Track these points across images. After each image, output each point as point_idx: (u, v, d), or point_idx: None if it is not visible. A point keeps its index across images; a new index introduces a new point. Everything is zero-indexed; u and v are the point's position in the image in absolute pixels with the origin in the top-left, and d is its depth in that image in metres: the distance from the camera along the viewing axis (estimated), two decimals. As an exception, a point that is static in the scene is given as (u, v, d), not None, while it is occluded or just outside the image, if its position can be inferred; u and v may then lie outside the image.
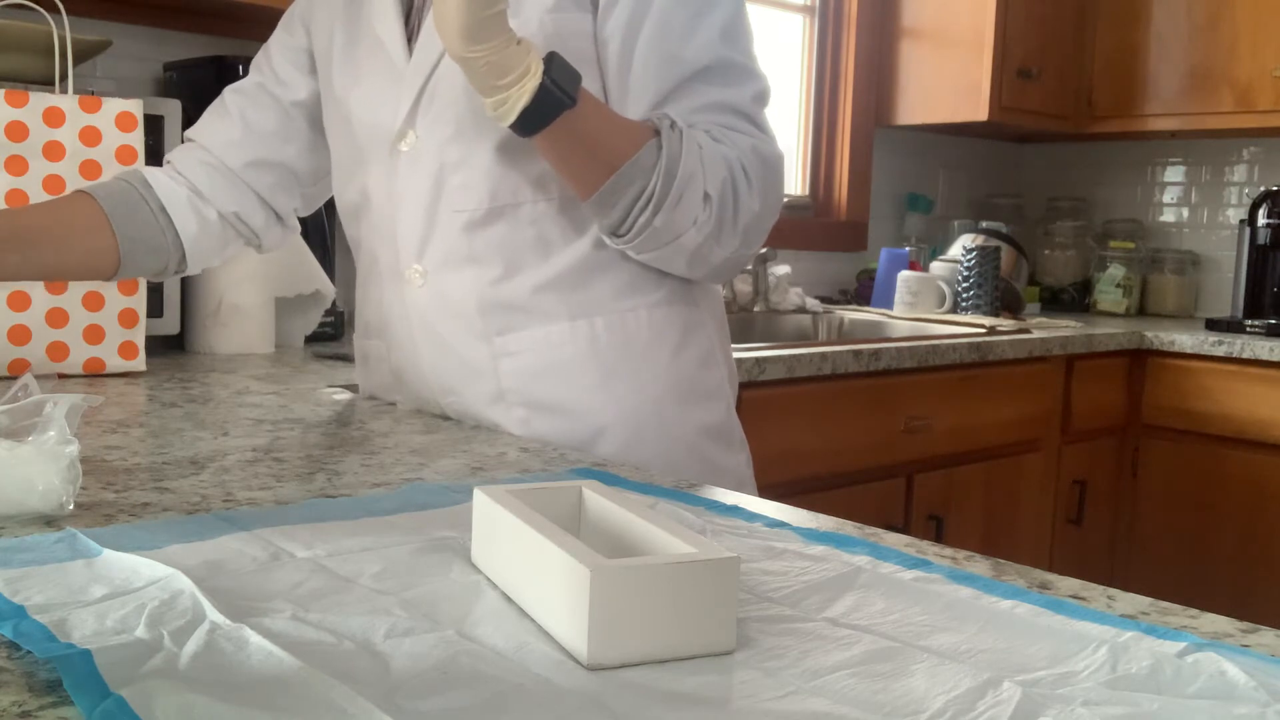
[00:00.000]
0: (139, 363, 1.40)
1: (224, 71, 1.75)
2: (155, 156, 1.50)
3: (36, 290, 1.33)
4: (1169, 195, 3.37)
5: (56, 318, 1.35)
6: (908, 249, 3.01)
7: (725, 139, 1.04)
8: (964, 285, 2.76)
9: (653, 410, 1.10)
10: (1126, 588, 0.67)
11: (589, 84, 1.00)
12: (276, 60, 1.25)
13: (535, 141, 0.98)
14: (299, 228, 1.33)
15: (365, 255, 1.20)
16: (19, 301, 1.33)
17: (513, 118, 0.94)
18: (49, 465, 0.71)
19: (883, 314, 2.75)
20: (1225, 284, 3.20)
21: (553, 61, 0.94)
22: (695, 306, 1.15)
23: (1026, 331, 2.52)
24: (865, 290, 2.99)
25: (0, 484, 0.70)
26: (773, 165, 1.07)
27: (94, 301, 1.36)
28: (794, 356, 1.93)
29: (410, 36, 1.11)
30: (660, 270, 1.11)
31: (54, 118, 1.33)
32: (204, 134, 1.25)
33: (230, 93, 1.26)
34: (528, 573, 0.58)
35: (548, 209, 1.07)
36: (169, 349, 1.65)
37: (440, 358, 1.13)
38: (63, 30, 1.35)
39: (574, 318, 1.08)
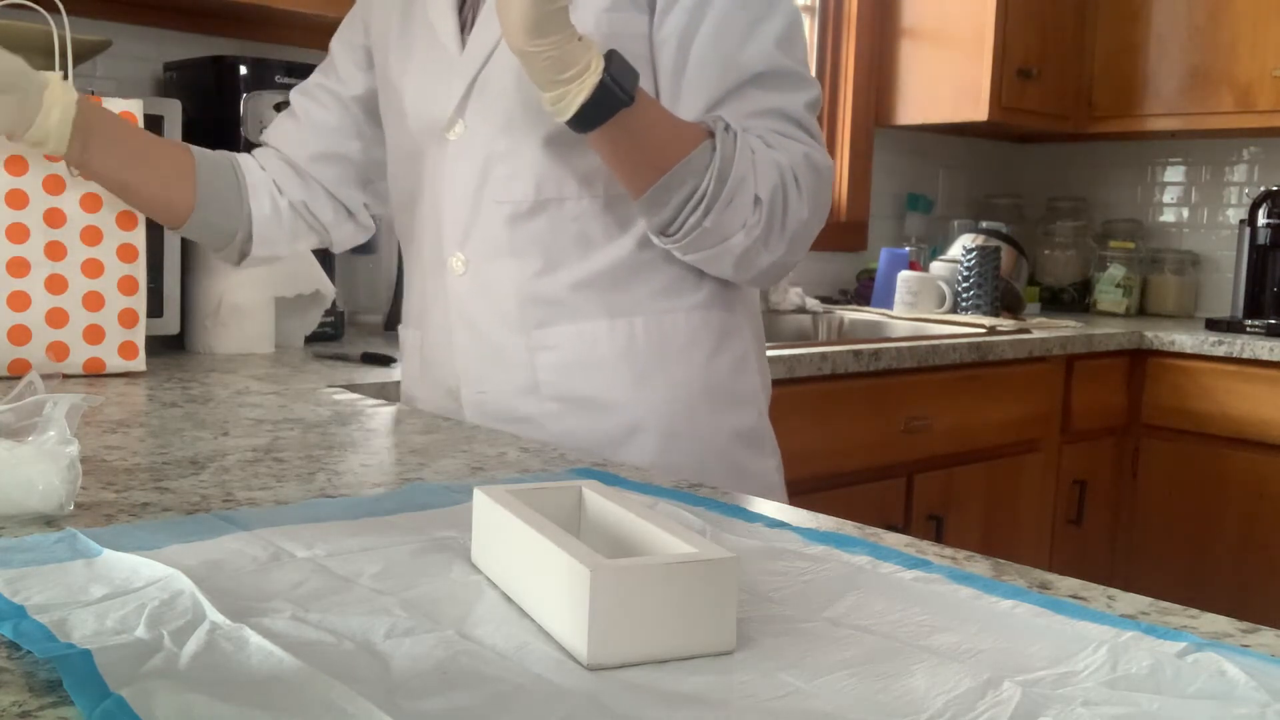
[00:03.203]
0: (139, 363, 1.40)
1: (224, 71, 1.75)
2: (155, 156, 1.50)
3: (36, 290, 1.33)
4: (1169, 195, 3.37)
5: (56, 318, 1.34)
6: (908, 249, 3.01)
7: (777, 145, 1.04)
8: (964, 285, 2.76)
9: (686, 412, 1.11)
10: (1126, 588, 0.67)
11: (643, 84, 1.01)
12: (337, 58, 1.30)
13: (589, 138, 0.98)
14: (373, 226, 1.36)
15: (414, 245, 1.21)
16: (19, 301, 1.33)
17: (571, 113, 0.94)
18: (49, 465, 0.71)
19: (883, 314, 2.75)
20: (1225, 284, 3.20)
21: (612, 59, 0.94)
22: (732, 312, 1.15)
23: (1026, 331, 2.52)
24: (865, 290, 2.99)
25: (0, 484, 0.70)
26: (823, 174, 1.07)
27: (94, 301, 1.36)
28: (794, 356, 1.93)
29: (464, 27, 1.12)
30: (699, 274, 1.12)
31: (54, 118, 1.33)
32: (273, 135, 1.31)
33: (295, 94, 1.32)
34: (528, 573, 0.58)
35: (591, 206, 1.08)
36: (169, 349, 1.65)
37: (474, 347, 1.13)
38: (63, 30, 1.35)
39: (612, 316, 1.09)
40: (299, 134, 1.29)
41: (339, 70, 1.29)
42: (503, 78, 1.07)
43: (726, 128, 1.00)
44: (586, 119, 0.94)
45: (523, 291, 1.09)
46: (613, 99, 0.94)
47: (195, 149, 1.25)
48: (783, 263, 1.07)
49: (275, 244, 1.29)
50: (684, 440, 1.11)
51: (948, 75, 2.98)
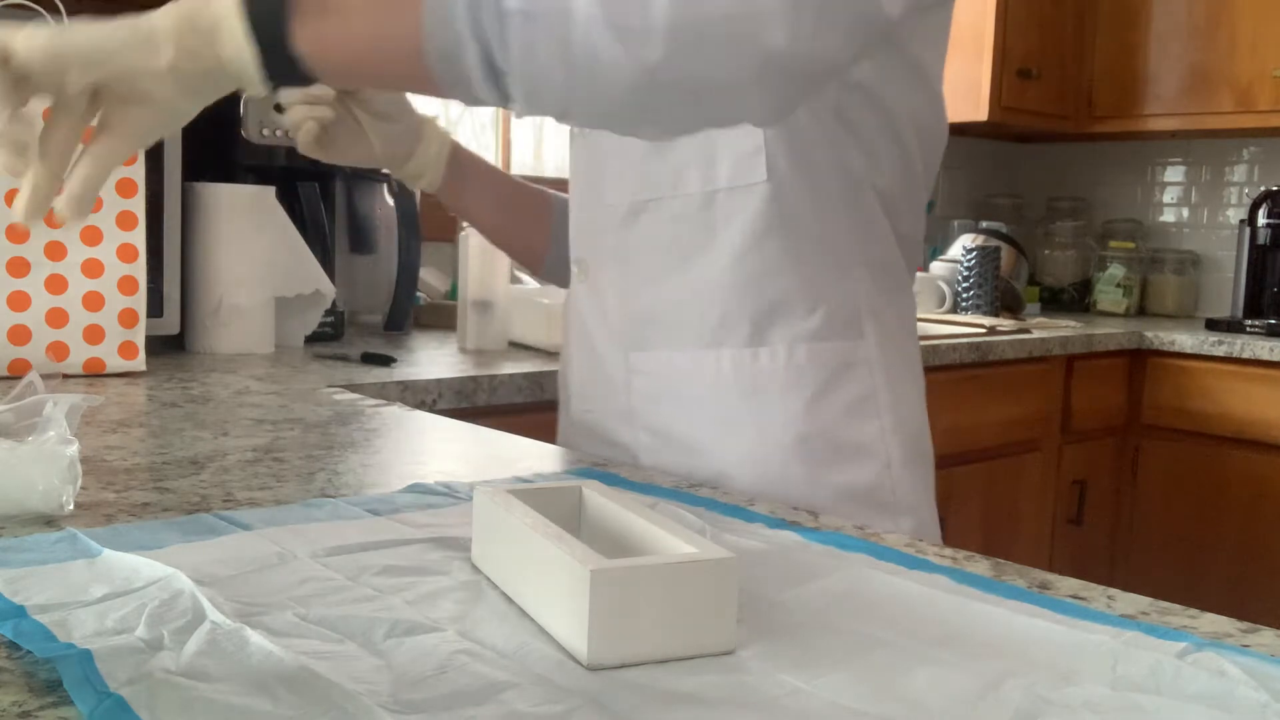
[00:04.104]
0: (139, 363, 1.40)
1: (224, 71, 1.75)
2: (155, 156, 1.50)
3: (37, 290, 1.33)
4: (1169, 195, 3.38)
5: (56, 318, 1.34)
6: (908, 249, 3.01)
7: None
8: (964, 285, 2.76)
9: (777, 463, 0.96)
10: (1126, 588, 0.67)
11: None
12: None
13: (316, 75, 0.73)
14: None
15: None
16: (19, 301, 1.33)
17: (257, 67, 0.70)
18: (49, 465, 0.71)
19: (883, 314, 2.75)
20: (1225, 284, 3.20)
21: None
22: (859, 340, 0.97)
23: (1026, 331, 2.52)
24: (865, 290, 2.99)
25: (0, 484, 0.70)
26: None
27: (94, 301, 1.36)
28: (794, 356, 1.92)
29: None
30: (816, 295, 0.95)
31: (54, 118, 1.33)
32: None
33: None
34: (528, 573, 0.58)
35: (686, 206, 0.97)
36: (169, 349, 1.65)
37: (585, 361, 1.08)
38: (63, 30, 1.35)
39: (702, 346, 0.98)
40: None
41: None
42: None
43: None
44: (275, 55, 0.70)
45: (626, 305, 1.02)
46: (267, 7, 0.70)
47: (550, 192, 1.24)
48: (718, 14, 0.67)
49: None
50: (777, 494, 0.94)
51: (948, 75, 2.96)
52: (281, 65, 0.71)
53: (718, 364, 0.98)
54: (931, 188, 1.05)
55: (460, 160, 1.17)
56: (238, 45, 0.70)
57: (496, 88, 0.70)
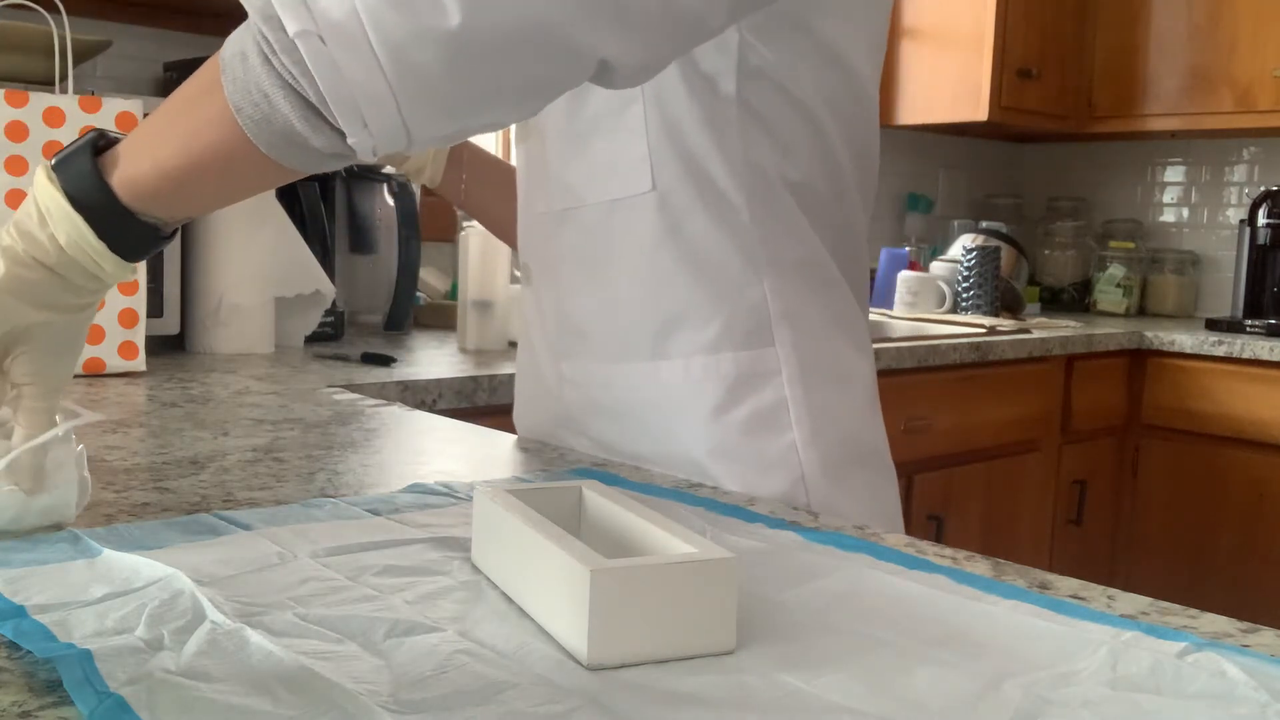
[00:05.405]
0: (139, 363, 1.40)
1: (224, 71, 1.75)
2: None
3: (36, 290, 1.33)
4: (1169, 195, 3.38)
5: (56, 318, 1.34)
6: (908, 249, 3.02)
7: None
8: (964, 285, 2.76)
9: (698, 477, 0.93)
10: (1126, 588, 0.67)
11: None
12: None
13: (153, 213, 0.67)
14: None
15: None
16: (19, 301, 1.32)
17: (84, 227, 0.65)
18: (63, 489, 0.70)
19: (883, 314, 2.75)
20: (1225, 284, 3.20)
21: (46, 181, 0.65)
22: (769, 349, 0.91)
23: (1026, 331, 2.53)
24: (865, 290, 2.99)
25: (17, 512, 0.69)
26: None
27: (94, 301, 1.36)
28: (794, 356, 1.92)
29: None
30: (713, 307, 0.91)
31: (54, 118, 1.33)
32: None
33: None
34: (528, 573, 0.58)
35: (593, 218, 0.94)
36: (169, 349, 1.65)
37: (526, 366, 1.07)
38: (63, 30, 1.35)
39: (614, 359, 0.95)
40: None
41: None
42: None
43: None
44: (107, 217, 0.65)
45: (556, 314, 0.99)
46: (88, 189, 0.64)
47: None
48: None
49: None
50: None
51: (948, 75, 2.98)
52: (119, 226, 0.65)
53: (626, 378, 0.95)
54: (872, 176, 0.98)
55: (460, 157, 1.17)
56: (69, 221, 0.64)
57: (328, 128, 0.61)
